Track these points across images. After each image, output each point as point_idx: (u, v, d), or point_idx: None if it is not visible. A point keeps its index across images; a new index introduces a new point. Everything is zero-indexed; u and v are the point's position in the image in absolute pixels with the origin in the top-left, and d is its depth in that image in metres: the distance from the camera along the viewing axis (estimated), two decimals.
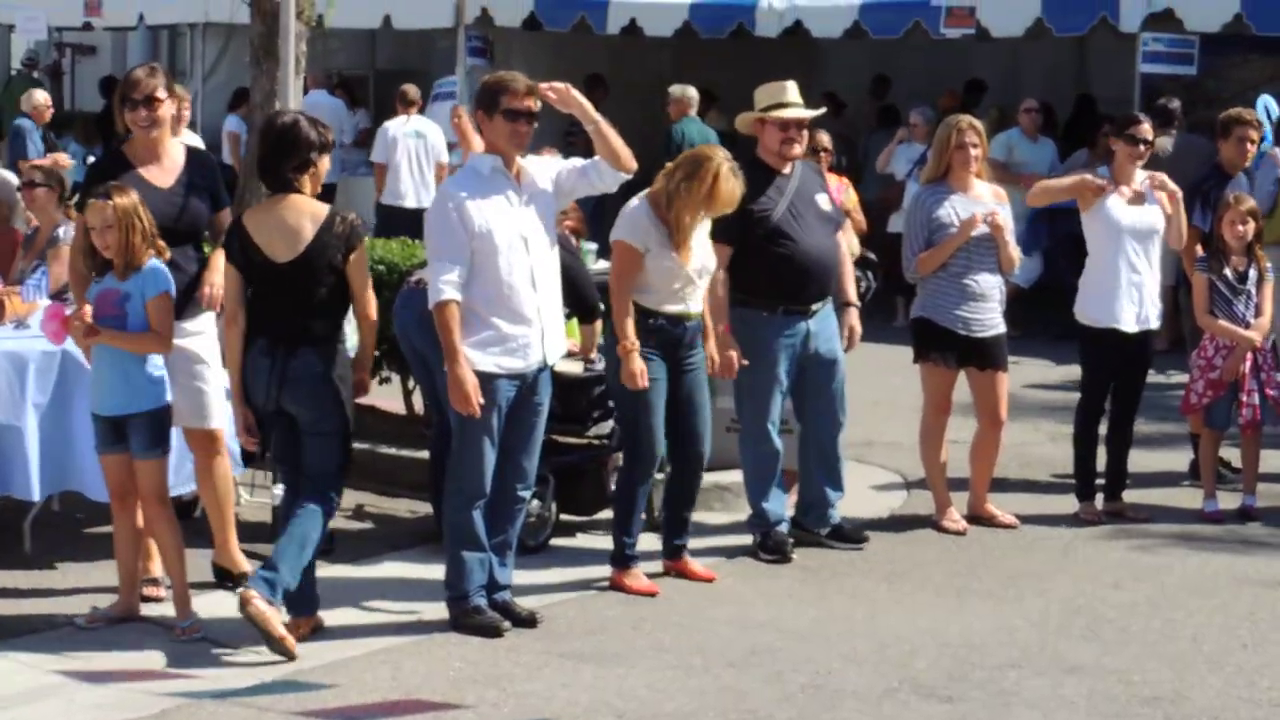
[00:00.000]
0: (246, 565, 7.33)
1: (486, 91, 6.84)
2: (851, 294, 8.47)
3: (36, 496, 7.43)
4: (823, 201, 8.21)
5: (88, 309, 6.60)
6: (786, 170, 8.10)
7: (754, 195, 7.86)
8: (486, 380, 6.65)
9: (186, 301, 7.02)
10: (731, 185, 7.30)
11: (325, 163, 6.84)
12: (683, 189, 7.34)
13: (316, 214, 6.65)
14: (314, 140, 6.68)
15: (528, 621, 6.91)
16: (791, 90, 8.11)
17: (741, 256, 7.90)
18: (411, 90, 15.03)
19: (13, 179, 10.41)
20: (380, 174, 14.84)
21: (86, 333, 6.59)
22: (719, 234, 7.75)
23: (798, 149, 8.12)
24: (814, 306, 8.08)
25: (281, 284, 6.64)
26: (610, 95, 16.67)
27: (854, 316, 8.41)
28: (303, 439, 6.75)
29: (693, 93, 14.51)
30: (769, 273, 7.95)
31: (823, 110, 8.13)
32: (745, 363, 7.85)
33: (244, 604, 6.39)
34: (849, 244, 9.20)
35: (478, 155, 6.94)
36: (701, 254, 7.54)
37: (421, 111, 15.15)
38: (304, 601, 6.76)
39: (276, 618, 6.43)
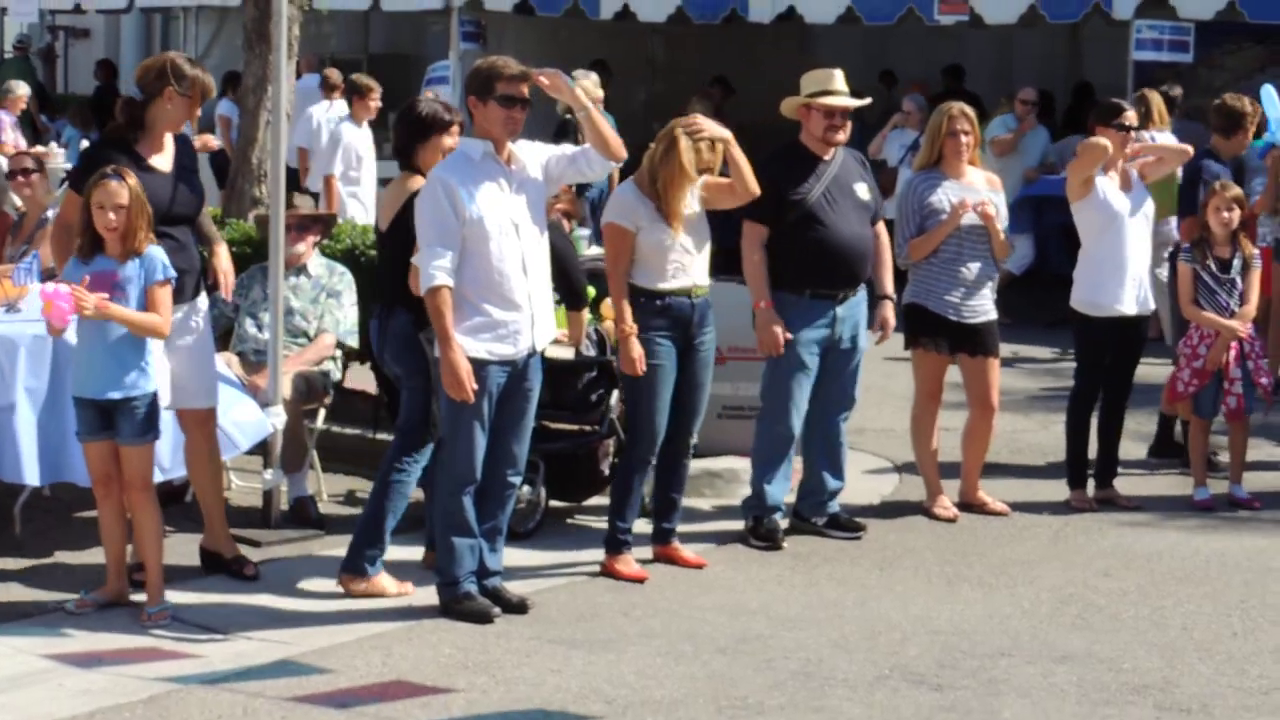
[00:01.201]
0: (236, 549, 7.36)
1: (479, 76, 6.84)
2: (888, 286, 8.38)
3: (33, 481, 7.39)
4: (861, 190, 8.19)
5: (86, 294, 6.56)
6: (828, 156, 8.11)
7: (791, 179, 7.97)
8: (478, 366, 6.65)
9: (189, 281, 7.06)
10: (691, 155, 7.42)
11: (449, 141, 7.25)
12: (662, 161, 7.43)
13: (414, 186, 7.02)
14: (446, 122, 7.32)
15: (518, 607, 6.91)
16: (838, 78, 8.15)
17: (775, 239, 7.94)
18: (334, 75, 14.65)
19: (2, 164, 10.44)
20: (303, 159, 14.49)
21: (98, 309, 6.52)
22: (755, 214, 7.84)
23: (841, 136, 8.14)
24: (843, 293, 8.07)
25: (382, 250, 7.56)
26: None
27: (888, 309, 8.36)
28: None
29: None
30: (800, 256, 7.97)
31: (868, 100, 8.14)
32: (789, 336, 7.88)
33: (347, 591, 7.03)
34: None
35: (468, 140, 6.93)
36: (696, 226, 7.56)
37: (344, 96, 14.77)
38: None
39: (381, 586, 7.06)
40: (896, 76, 16.73)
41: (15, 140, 15.49)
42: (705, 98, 14.97)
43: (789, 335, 7.88)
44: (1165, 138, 12.17)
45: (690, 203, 7.51)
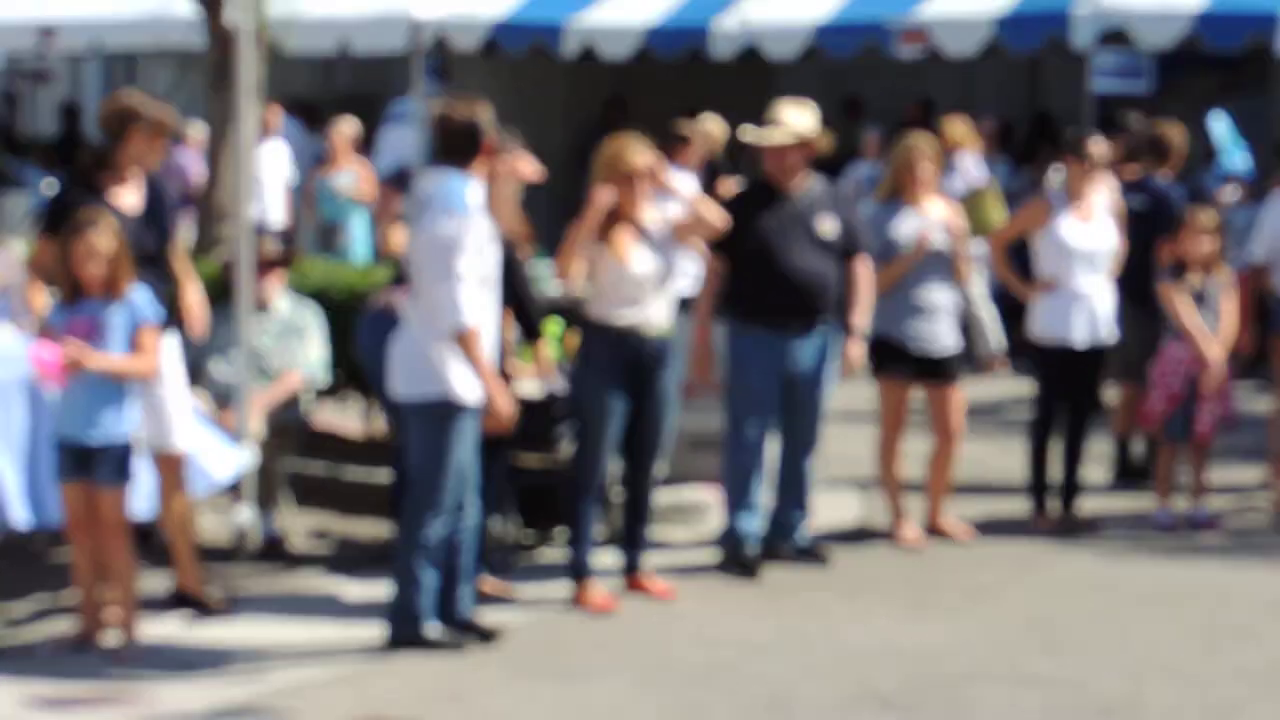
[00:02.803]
0: (207, 590, 7.36)
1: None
2: (859, 322, 8.24)
3: (20, 524, 7.29)
4: (824, 225, 8.09)
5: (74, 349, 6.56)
6: (792, 191, 8.10)
7: (747, 212, 7.97)
8: (469, 411, 6.74)
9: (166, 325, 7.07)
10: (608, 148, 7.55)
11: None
12: (600, 169, 7.51)
13: None
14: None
15: (489, 636, 6.93)
16: (788, 110, 8.13)
17: (733, 272, 7.98)
18: (272, 118, 14.90)
19: None
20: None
21: (87, 364, 6.53)
22: (714, 247, 7.86)
23: (781, 171, 8.10)
24: (799, 326, 8.08)
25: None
26: (567, 119, 16.81)
27: (854, 345, 8.25)
28: None
29: None
30: (755, 289, 7.99)
31: (801, 137, 8.09)
32: (710, 382, 7.98)
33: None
34: None
35: (474, 184, 6.87)
36: (651, 258, 7.49)
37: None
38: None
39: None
40: (862, 109, 16.81)
41: None
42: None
43: (709, 373, 8.00)
44: (970, 161, 12.71)
45: (645, 235, 7.49)
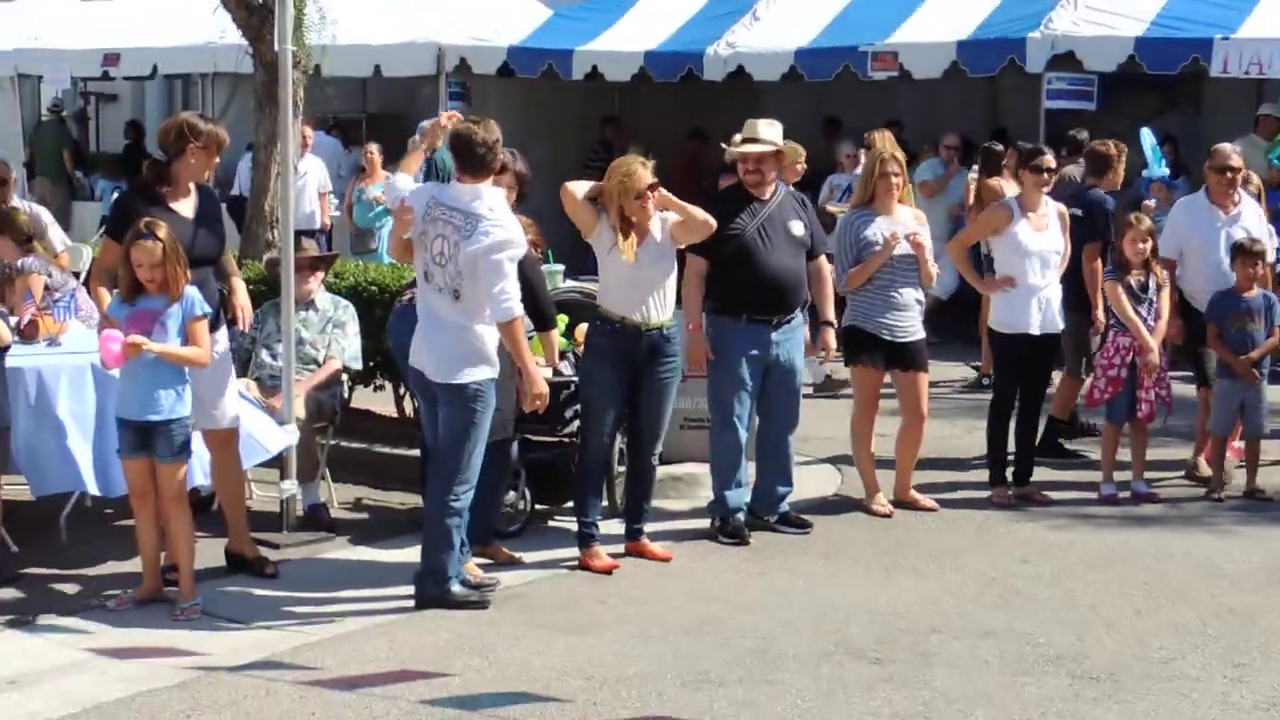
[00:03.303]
0: (257, 551, 7.41)
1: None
2: (829, 313, 8.36)
3: (94, 490, 7.40)
4: (795, 227, 8.11)
5: (135, 335, 6.58)
6: (766, 196, 8.10)
7: (728, 216, 7.94)
8: (492, 393, 6.83)
9: (217, 318, 7.07)
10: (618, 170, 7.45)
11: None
12: (613, 188, 7.42)
13: None
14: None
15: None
16: (760, 128, 8.11)
17: (716, 270, 7.95)
18: (307, 135, 15.01)
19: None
20: (323, 201, 15.15)
21: (146, 350, 6.55)
22: (696, 248, 7.84)
23: (760, 178, 8.10)
24: (777, 318, 8.07)
25: None
26: (575, 132, 16.80)
27: (829, 334, 8.36)
28: None
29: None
30: (737, 286, 7.98)
31: (776, 147, 8.12)
32: (713, 358, 7.94)
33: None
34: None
35: (500, 193, 6.92)
36: (655, 261, 7.48)
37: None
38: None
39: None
40: (841, 126, 16.78)
41: None
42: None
43: (712, 355, 7.95)
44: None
45: (650, 238, 7.47)
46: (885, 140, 9.57)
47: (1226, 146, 9.78)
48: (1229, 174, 9.45)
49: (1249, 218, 9.46)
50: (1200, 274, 9.35)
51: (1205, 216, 9.41)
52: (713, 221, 7.59)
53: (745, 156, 8.08)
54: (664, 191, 7.44)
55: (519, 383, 7.05)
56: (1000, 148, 12.53)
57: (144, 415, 6.67)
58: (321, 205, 15.05)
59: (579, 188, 7.53)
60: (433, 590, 6.87)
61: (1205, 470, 9.31)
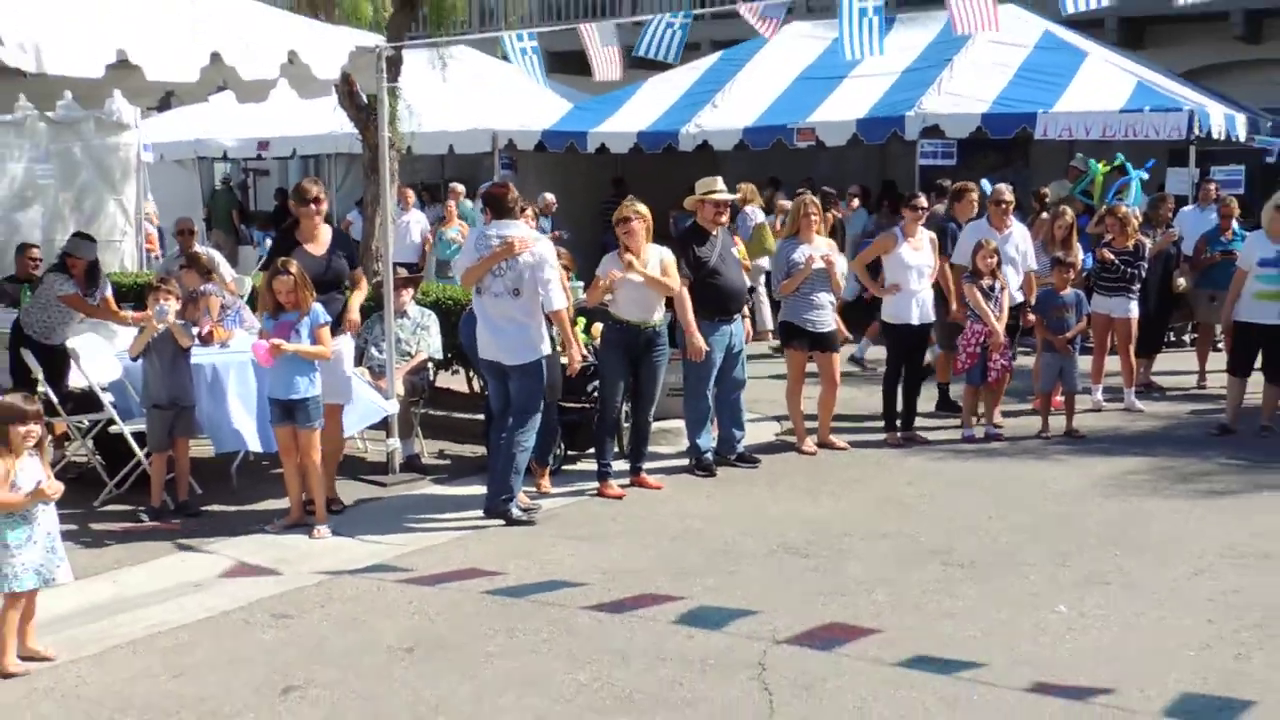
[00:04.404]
0: (334, 494, 7.24)
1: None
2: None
3: (255, 447, 7.35)
4: (736, 253, 8.17)
5: (277, 340, 6.56)
6: (715, 233, 8.03)
7: (697, 247, 7.90)
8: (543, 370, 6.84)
9: (335, 326, 7.00)
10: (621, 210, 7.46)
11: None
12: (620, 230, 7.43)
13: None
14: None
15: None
16: (718, 183, 8.09)
17: (694, 286, 7.87)
18: (409, 195, 15.08)
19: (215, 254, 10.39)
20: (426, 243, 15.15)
21: (285, 351, 6.54)
22: (682, 271, 7.75)
23: (723, 218, 8.07)
24: (734, 316, 8.04)
25: None
26: (591, 188, 16.71)
27: (747, 324, 8.34)
28: None
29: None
30: (710, 297, 7.91)
31: (737, 196, 8.15)
32: (708, 348, 7.84)
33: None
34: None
35: (522, 224, 6.93)
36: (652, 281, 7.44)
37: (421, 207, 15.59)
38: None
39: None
40: (779, 182, 16.72)
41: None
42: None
43: (707, 346, 7.87)
44: (755, 212, 13.08)
45: (650, 266, 7.41)
46: (751, 192, 9.56)
47: (1001, 186, 9.65)
48: (1002, 205, 9.36)
49: (1017, 237, 9.36)
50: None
51: (985, 235, 9.23)
52: (675, 286, 7.50)
53: (717, 203, 8.01)
54: (637, 266, 7.34)
55: (564, 355, 7.06)
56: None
57: (286, 395, 6.65)
58: (425, 246, 15.08)
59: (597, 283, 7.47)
60: (501, 505, 6.83)
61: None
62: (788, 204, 12.82)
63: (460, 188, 15.74)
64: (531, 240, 6.79)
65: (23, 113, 11.37)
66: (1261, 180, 13.98)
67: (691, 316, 7.77)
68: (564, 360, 7.19)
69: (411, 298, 8.63)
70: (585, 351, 8.01)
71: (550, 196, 15.66)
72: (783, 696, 4.44)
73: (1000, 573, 5.90)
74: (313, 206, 7.09)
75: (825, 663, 4.74)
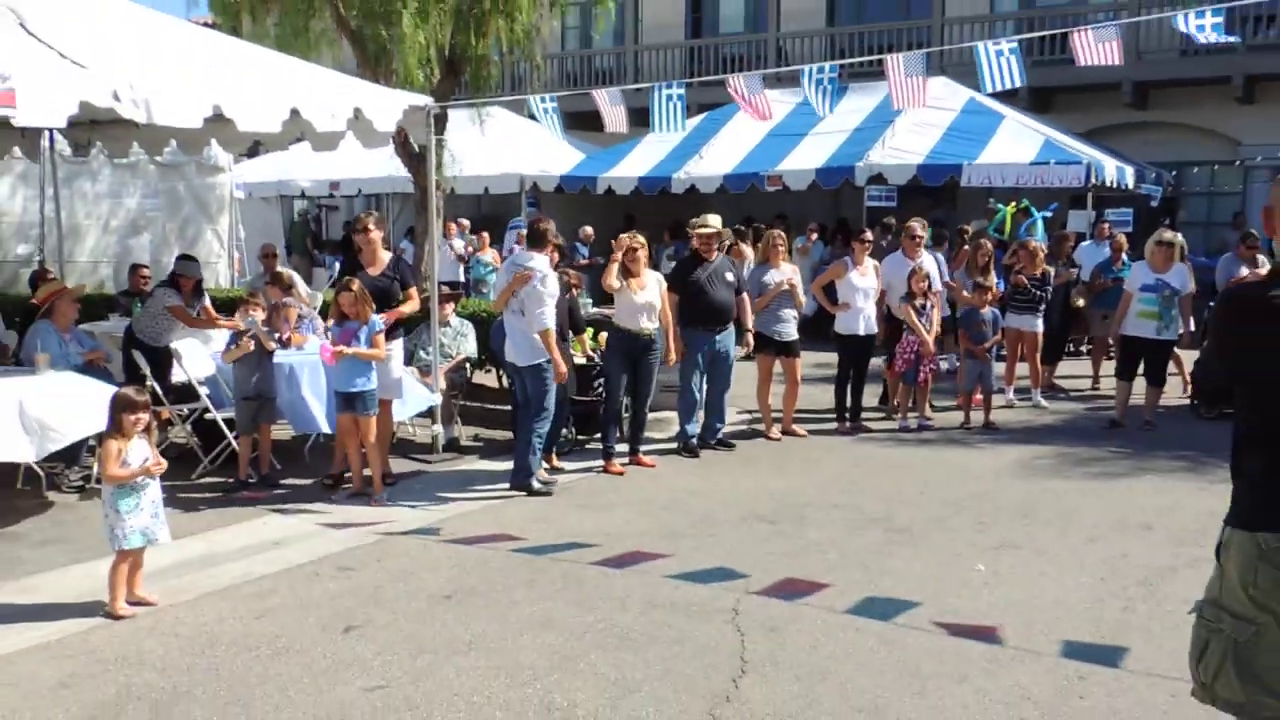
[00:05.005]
0: (389, 470, 7.17)
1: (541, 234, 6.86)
2: (749, 323, 8.26)
3: (325, 429, 7.26)
4: (728, 276, 8.04)
5: (340, 346, 6.53)
6: (711, 259, 7.99)
7: (690, 270, 7.88)
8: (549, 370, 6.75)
9: (390, 332, 6.97)
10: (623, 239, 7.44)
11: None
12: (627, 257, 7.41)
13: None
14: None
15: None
16: (711, 219, 8.08)
17: (684, 301, 7.85)
18: (452, 227, 14.89)
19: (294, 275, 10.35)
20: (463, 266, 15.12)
21: (345, 352, 6.52)
22: (673, 288, 7.72)
23: (713, 246, 8.01)
24: (718, 328, 7.98)
25: None
26: (601, 224, 16.68)
27: (749, 336, 8.30)
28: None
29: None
30: (696, 309, 7.87)
31: (718, 229, 8.11)
32: (685, 354, 7.84)
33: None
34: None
35: (545, 258, 6.84)
36: (647, 296, 7.43)
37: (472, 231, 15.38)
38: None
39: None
40: (752, 220, 16.69)
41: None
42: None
43: (684, 353, 7.83)
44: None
45: (646, 286, 7.41)
46: (715, 222, 9.53)
47: (913, 223, 9.57)
48: (916, 239, 9.36)
49: (927, 265, 9.34)
50: (896, 295, 9.18)
51: (900, 263, 9.26)
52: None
53: (702, 235, 8.00)
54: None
55: (578, 356, 7.10)
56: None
57: (348, 388, 6.64)
58: (462, 266, 15.11)
59: (609, 277, 7.43)
60: (522, 481, 6.82)
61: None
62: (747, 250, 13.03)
63: (485, 235, 15.38)
64: (537, 275, 6.69)
65: (135, 157, 11.41)
66: (1146, 220, 14.05)
67: (674, 327, 7.76)
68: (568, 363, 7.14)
69: (453, 310, 8.62)
70: (590, 354, 8.05)
71: (589, 229, 15.58)
72: (753, 636, 4.43)
73: (931, 537, 5.89)
74: (364, 234, 7.05)
75: (788, 610, 4.73)
